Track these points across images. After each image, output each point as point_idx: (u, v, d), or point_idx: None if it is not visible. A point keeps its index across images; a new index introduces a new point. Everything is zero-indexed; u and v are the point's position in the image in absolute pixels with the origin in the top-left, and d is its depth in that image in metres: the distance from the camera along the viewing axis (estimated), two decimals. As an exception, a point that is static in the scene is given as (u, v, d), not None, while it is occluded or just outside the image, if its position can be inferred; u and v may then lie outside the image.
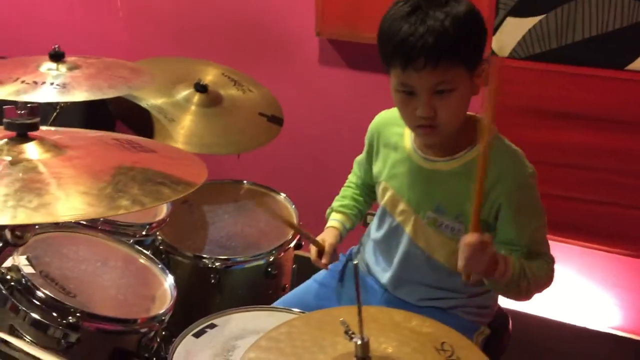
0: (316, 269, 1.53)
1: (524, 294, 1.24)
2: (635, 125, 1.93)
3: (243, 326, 1.40)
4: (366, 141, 1.46)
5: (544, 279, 1.26)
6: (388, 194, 1.37)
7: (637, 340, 2.15)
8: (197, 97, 1.88)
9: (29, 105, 0.83)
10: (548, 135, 2.01)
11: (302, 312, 1.42)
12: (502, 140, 1.29)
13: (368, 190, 1.55)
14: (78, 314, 1.10)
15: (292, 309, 1.44)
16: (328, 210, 1.55)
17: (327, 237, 1.47)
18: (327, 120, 2.40)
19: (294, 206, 1.81)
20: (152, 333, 1.25)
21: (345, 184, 1.59)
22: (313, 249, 1.45)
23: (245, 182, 1.94)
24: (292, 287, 1.77)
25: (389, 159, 1.38)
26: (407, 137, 1.34)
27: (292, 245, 1.74)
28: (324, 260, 1.44)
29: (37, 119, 0.84)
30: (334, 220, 1.51)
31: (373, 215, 2.48)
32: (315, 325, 1.05)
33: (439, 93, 1.17)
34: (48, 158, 0.81)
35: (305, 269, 1.75)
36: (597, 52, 1.88)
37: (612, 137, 1.96)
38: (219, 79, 1.98)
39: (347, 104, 2.33)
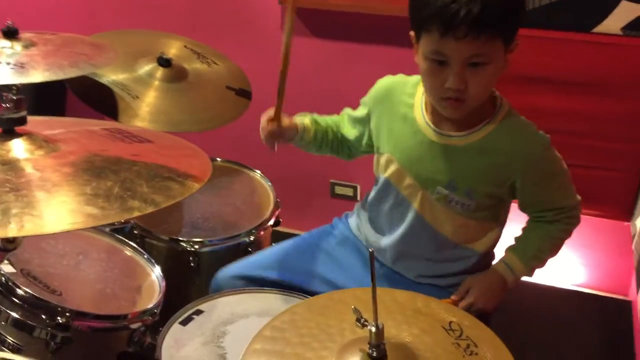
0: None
1: (548, 260, 1.32)
2: (602, 87, 1.96)
3: (231, 310, 1.37)
4: (365, 106, 1.40)
5: (564, 239, 1.32)
6: (393, 167, 1.33)
7: (601, 296, 2.22)
8: (160, 72, 1.79)
9: (14, 96, 0.75)
10: (517, 100, 2.02)
11: (287, 293, 1.40)
12: (516, 116, 1.27)
13: (345, 145, 1.48)
14: (67, 314, 1.04)
15: (278, 290, 1.41)
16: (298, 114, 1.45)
17: (285, 119, 1.38)
18: (295, 91, 2.33)
19: (270, 183, 1.76)
20: (144, 327, 1.20)
21: (328, 115, 1.50)
22: (267, 113, 1.37)
23: (218, 159, 1.87)
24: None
25: (395, 130, 1.33)
26: (417, 109, 1.30)
27: (270, 223, 1.69)
28: (269, 127, 1.36)
29: (24, 112, 0.76)
30: (301, 120, 1.41)
31: (341, 186, 2.47)
32: (318, 311, 1.02)
33: (473, 65, 1.13)
34: (41, 156, 0.73)
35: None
36: (564, 15, 1.88)
37: (580, 100, 1.98)
38: (182, 52, 1.89)
39: (314, 74, 2.27)
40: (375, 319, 0.89)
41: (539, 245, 1.31)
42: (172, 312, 1.30)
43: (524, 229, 1.35)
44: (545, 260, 1.31)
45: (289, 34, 1.27)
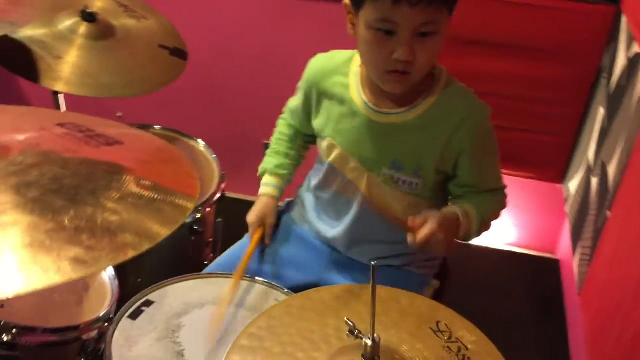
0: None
1: (482, 232, 1.24)
2: (540, 51, 1.96)
3: (183, 300, 1.27)
4: (301, 91, 1.31)
5: (499, 212, 1.27)
6: (336, 152, 1.26)
7: (531, 256, 2.30)
8: (84, 28, 1.60)
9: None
10: (453, 63, 1.99)
11: (247, 277, 1.32)
12: (455, 84, 1.20)
13: (303, 141, 1.42)
14: (13, 330, 0.90)
15: (230, 273, 1.33)
16: (260, 170, 1.43)
17: (267, 215, 1.37)
18: (231, 48, 2.19)
19: (214, 155, 1.63)
20: (98, 335, 1.08)
21: (277, 136, 1.45)
22: (253, 240, 1.36)
23: (156, 127, 1.72)
24: (218, 242, 1.64)
25: (333, 113, 1.25)
26: (353, 89, 1.22)
27: (216, 197, 1.59)
28: (267, 242, 1.37)
29: None
30: (270, 186, 1.39)
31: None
32: (296, 314, 0.96)
33: (422, 35, 1.06)
34: None
35: (230, 220, 1.63)
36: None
37: (516, 63, 1.98)
38: (107, 5, 1.69)
39: (250, 29, 2.13)
40: (372, 332, 0.83)
41: (486, 205, 1.24)
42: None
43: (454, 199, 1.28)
44: (489, 224, 1.25)
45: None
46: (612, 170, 1.67)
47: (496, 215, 1.27)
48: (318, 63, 1.28)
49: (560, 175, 2.15)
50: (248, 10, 2.11)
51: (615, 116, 1.72)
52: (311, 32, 2.11)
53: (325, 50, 2.10)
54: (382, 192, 1.25)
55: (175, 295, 1.27)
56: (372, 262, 0.81)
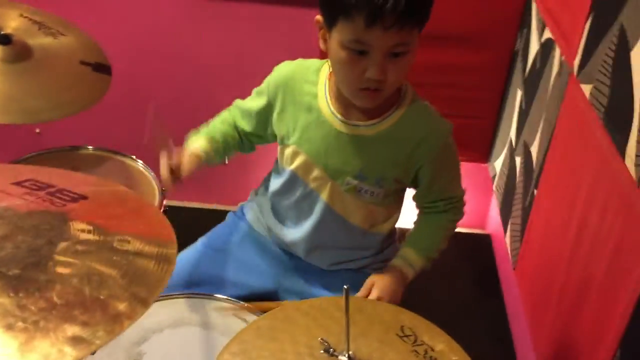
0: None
1: (441, 249, 1.35)
2: (459, 40, 2.03)
3: (140, 326, 1.25)
4: (263, 95, 1.29)
5: (454, 227, 1.36)
6: (299, 160, 1.27)
7: (464, 233, 2.39)
8: (-1, 51, 1.52)
9: None
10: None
11: (195, 295, 1.31)
12: (419, 100, 1.24)
13: (246, 140, 1.39)
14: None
15: (185, 294, 1.32)
16: (191, 132, 1.34)
17: (185, 163, 1.25)
18: (153, 50, 2.14)
19: (152, 173, 1.60)
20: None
21: (221, 116, 1.38)
22: (165, 164, 1.24)
23: (89, 147, 1.65)
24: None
25: (299, 121, 1.25)
26: (321, 99, 1.23)
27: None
28: (174, 185, 1.24)
29: None
30: (198, 147, 1.29)
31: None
32: (267, 335, 0.97)
33: (394, 55, 1.08)
34: None
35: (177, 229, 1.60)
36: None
37: (439, 52, 2.04)
38: (21, 24, 1.61)
39: (173, 31, 2.09)
40: (348, 349, 0.86)
41: (433, 238, 1.34)
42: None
43: (416, 224, 1.37)
44: (439, 251, 1.34)
45: None
46: (534, 150, 1.77)
47: (451, 232, 1.36)
48: (286, 69, 1.27)
49: (485, 155, 2.25)
50: (163, 14, 2.06)
51: (532, 98, 1.82)
52: (228, 33, 2.10)
53: (245, 50, 2.09)
54: (344, 201, 1.27)
55: (131, 322, 1.26)
56: (345, 287, 0.83)
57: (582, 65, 1.42)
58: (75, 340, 0.52)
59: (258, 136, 1.37)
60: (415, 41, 1.10)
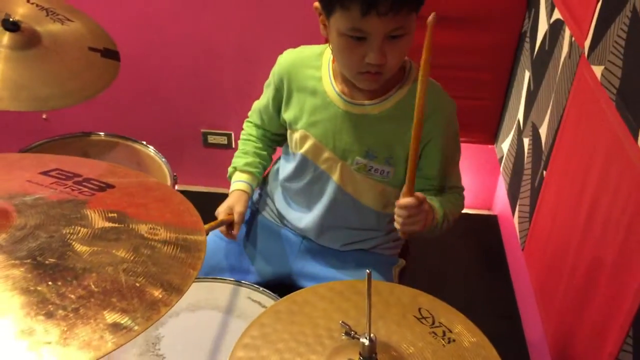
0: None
1: (442, 232, 1.29)
2: (467, 21, 2.02)
3: (157, 310, 1.27)
4: (271, 86, 1.32)
5: (458, 213, 1.33)
6: (309, 143, 1.28)
7: (471, 214, 2.41)
8: (7, 38, 1.51)
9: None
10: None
11: (209, 279, 1.33)
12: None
13: (270, 140, 1.44)
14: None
15: (199, 278, 1.33)
16: (230, 170, 1.42)
17: (236, 204, 1.34)
18: (152, 39, 2.13)
19: (164, 159, 1.61)
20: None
21: (244, 137, 1.45)
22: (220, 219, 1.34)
23: (101, 134, 1.66)
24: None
25: (306, 105, 1.26)
26: (326, 81, 1.24)
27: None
28: (234, 232, 1.35)
29: None
30: (241, 182, 1.38)
31: (214, 134, 2.36)
32: (286, 319, 0.98)
33: (392, 38, 1.09)
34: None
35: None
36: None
37: (447, 34, 2.03)
38: (29, 11, 1.61)
39: (170, 20, 2.08)
40: (369, 332, 0.87)
41: (449, 205, 1.30)
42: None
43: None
44: (451, 220, 1.31)
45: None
46: (543, 131, 1.77)
47: (457, 215, 1.32)
48: (288, 57, 1.30)
49: (491, 137, 2.26)
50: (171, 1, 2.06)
51: (541, 80, 1.82)
52: (230, 18, 2.09)
53: (254, 36, 2.09)
54: (355, 181, 1.28)
55: (148, 307, 1.27)
56: (367, 270, 0.84)
57: (592, 47, 1.42)
58: (115, 327, 0.53)
59: (278, 133, 1.39)
60: (413, 23, 1.11)
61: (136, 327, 0.53)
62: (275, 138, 1.42)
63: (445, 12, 1.99)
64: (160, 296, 0.58)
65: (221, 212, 1.33)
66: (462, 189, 1.35)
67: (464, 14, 2.02)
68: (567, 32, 1.63)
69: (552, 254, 1.65)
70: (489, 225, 2.35)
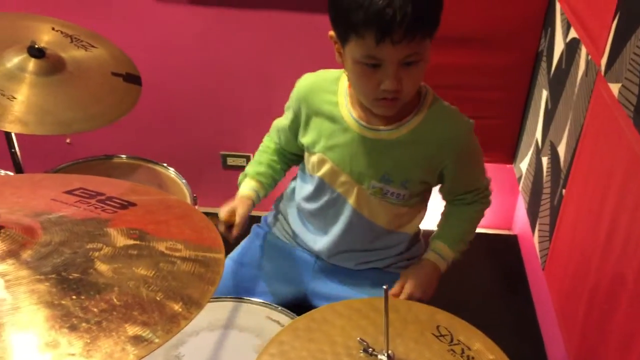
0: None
1: (470, 240, 1.38)
2: (483, 41, 2.04)
3: (177, 330, 1.28)
4: (290, 109, 1.34)
5: (481, 217, 1.39)
6: (326, 167, 1.29)
7: (490, 234, 2.40)
8: (33, 64, 1.56)
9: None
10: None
11: (228, 298, 1.34)
12: (440, 102, 1.26)
13: (286, 158, 1.45)
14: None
15: (218, 297, 1.35)
16: (241, 176, 1.42)
17: (238, 206, 1.33)
18: (176, 63, 2.18)
19: (184, 180, 1.63)
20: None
21: (261, 149, 1.46)
22: (221, 223, 1.33)
23: (122, 156, 1.69)
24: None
25: (324, 130, 1.28)
26: (342, 106, 1.26)
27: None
28: (234, 233, 1.32)
29: None
30: (249, 188, 1.38)
31: (233, 157, 2.38)
32: (304, 336, 0.99)
33: (407, 65, 1.10)
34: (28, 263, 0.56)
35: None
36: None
37: (463, 54, 2.05)
38: (54, 37, 1.66)
39: (194, 43, 2.12)
40: (387, 347, 0.87)
41: (462, 229, 1.37)
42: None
43: (443, 215, 1.39)
44: (468, 241, 1.37)
45: None
46: (562, 150, 1.77)
47: (479, 221, 1.40)
48: (306, 82, 1.32)
49: (510, 156, 2.25)
50: (192, 23, 2.10)
51: (558, 98, 1.82)
52: (253, 41, 2.13)
53: (271, 59, 2.12)
54: (370, 204, 1.30)
55: (168, 326, 1.28)
56: (384, 287, 0.84)
57: (609, 64, 1.42)
58: (137, 340, 0.54)
59: (294, 153, 1.41)
60: (428, 49, 1.12)
61: (157, 340, 0.55)
62: (291, 157, 1.43)
63: (462, 32, 2.01)
64: (180, 310, 0.59)
65: (224, 212, 1.32)
66: (487, 184, 1.38)
67: (481, 34, 2.03)
68: (583, 51, 1.63)
69: (572, 273, 1.64)
70: (509, 245, 2.34)
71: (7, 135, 1.67)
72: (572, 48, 1.73)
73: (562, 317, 1.69)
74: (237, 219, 1.32)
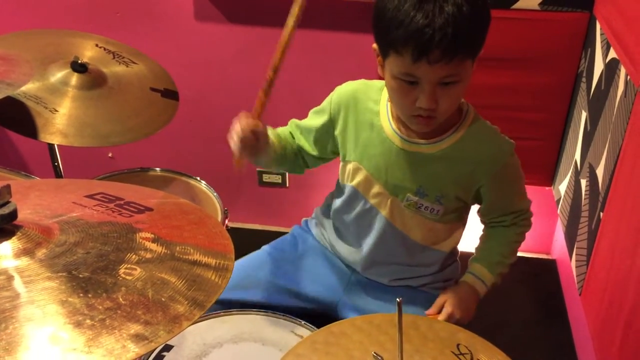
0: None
1: (510, 263, 1.36)
2: (523, 61, 2.02)
3: (202, 341, 1.29)
4: (324, 113, 1.33)
5: (522, 240, 1.36)
6: (360, 176, 1.29)
7: (529, 258, 2.34)
8: (75, 79, 1.62)
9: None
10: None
11: (255, 312, 1.34)
12: (481, 120, 1.26)
13: (300, 157, 1.41)
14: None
15: (245, 310, 1.35)
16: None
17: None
18: (216, 81, 2.22)
19: (215, 193, 1.66)
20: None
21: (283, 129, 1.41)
22: (244, 114, 1.24)
23: (157, 169, 1.74)
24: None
25: (361, 138, 1.28)
26: (383, 116, 1.26)
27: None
28: (251, 126, 1.22)
29: (14, 206, 0.63)
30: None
31: (268, 174, 2.41)
32: (322, 349, 0.98)
33: (444, 85, 1.10)
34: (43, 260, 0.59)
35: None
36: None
37: (503, 74, 2.03)
38: (97, 53, 1.72)
39: (233, 61, 2.17)
40: (401, 363, 0.86)
41: (501, 252, 1.34)
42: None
43: (482, 238, 1.37)
44: (509, 265, 1.35)
45: (292, 25, 1.17)
46: (600, 172, 1.72)
47: (520, 244, 1.37)
48: (350, 87, 1.31)
49: (549, 178, 2.21)
50: (231, 41, 2.14)
51: (597, 119, 1.78)
52: (291, 59, 2.15)
53: (308, 77, 2.15)
54: (404, 217, 1.29)
55: (193, 337, 1.30)
56: (398, 299, 0.84)
57: (647, 84, 1.39)
58: (138, 338, 0.55)
59: (310, 157, 1.40)
60: (468, 70, 1.11)
61: (157, 339, 0.56)
62: (298, 155, 1.40)
63: (502, 53, 2.00)
64: (184, 311, 0.60)
65: (244, 121, 1.25)
66: (527, 207, 1.35)
67: (521, 55, 2.02)
68: (622, 71, 1.60)
69: (609, 299, 1.59)
70: (547, 269, 2.28)
71: (51, 147, 1.73)
72: (611, 68, 1.70)
73: (598, 344, 1.64)
74: (261, 125, 1.23)
